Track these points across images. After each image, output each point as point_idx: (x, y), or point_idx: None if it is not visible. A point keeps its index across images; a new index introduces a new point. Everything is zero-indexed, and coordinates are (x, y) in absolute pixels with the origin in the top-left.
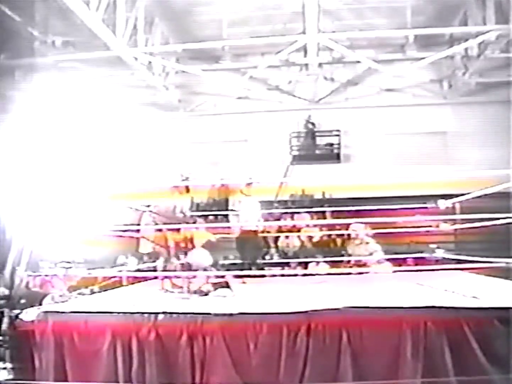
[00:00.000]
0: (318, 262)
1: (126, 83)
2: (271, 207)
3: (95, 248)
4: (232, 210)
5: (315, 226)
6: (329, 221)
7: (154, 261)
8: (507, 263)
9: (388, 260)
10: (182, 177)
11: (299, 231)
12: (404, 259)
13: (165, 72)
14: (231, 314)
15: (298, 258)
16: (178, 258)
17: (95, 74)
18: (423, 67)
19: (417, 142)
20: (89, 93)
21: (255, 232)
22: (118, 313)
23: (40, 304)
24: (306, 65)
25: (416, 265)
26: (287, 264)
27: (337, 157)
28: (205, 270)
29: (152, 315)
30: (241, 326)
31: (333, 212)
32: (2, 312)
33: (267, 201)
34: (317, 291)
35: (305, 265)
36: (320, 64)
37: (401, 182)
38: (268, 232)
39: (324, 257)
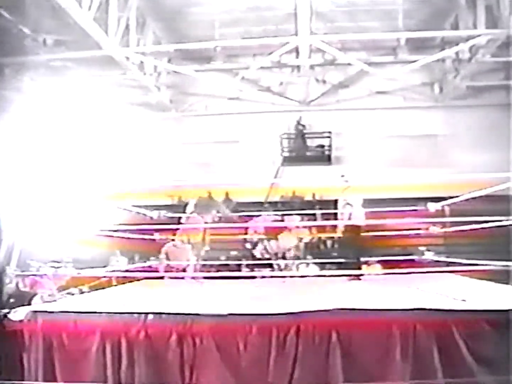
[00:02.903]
0: (308, 263)
1: (117, 83)
2: (261, 208)
3: (87, 247)
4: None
5: (304, 227)
6: (319, 222)
7: (145, 261)
8: (495, 265)
9: (378, 262)
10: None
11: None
12: (394, 261)
13: (157, 73)
14: (221, 315)
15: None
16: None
17: (87, 74)
18: (415, 70)
19: (408, 145)
20: (80, 93)
21: (359, 228)
22: (108, 313)
23: (29, 304)
24: (298, 67)
25: (406, 267)
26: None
27: (328, 159)
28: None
29: (142, 315)
30: (231, 327)
31: (323, 214)
32: None
33: (257, 202)
34: (307, 293)
35: (296, 266)
36: (311, 66)
37: (392, 185)
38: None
39: (314, 258)
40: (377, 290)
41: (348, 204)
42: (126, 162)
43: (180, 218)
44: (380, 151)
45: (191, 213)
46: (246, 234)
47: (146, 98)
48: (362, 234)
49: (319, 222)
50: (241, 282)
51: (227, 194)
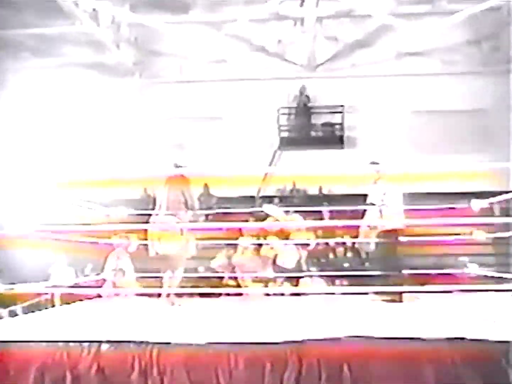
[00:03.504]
0: (312, 277)
1: (62, 37)
2: (252, 205)
3: (21, 254)
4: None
5: (308, 229)
6: (327, 222)
7: (98, 274)
8: None
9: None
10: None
11: (287, 237)
12: (427, 275)
13: (115, 24)
14: (197, 344)
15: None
16: None
17: (26, 23)
18: (457, 23)
19: (447, 123)
20: (16, 47)
21: (397, 232)
22: (48, 341)
23: None
24: (302, 19)
25: (443, 283)
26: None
27: (339, 142)
28: None
29: (94, 344)
30: (211, 359)
31: (332, 212)
32: None
33: (246, 197)
34: (312, 315)
35: (296, 280)
36: (319, 19)
37: (423, 175)
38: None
39: (320, 270)
40: (402, 312)
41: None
42: (74, 143)
43: (148, 216)
44: (408, 131)
45: (160, 210)
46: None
47: (101, 58)
48: (400, 239)
49: (329, 222)
50: (225, 300)
51: (206, 186)
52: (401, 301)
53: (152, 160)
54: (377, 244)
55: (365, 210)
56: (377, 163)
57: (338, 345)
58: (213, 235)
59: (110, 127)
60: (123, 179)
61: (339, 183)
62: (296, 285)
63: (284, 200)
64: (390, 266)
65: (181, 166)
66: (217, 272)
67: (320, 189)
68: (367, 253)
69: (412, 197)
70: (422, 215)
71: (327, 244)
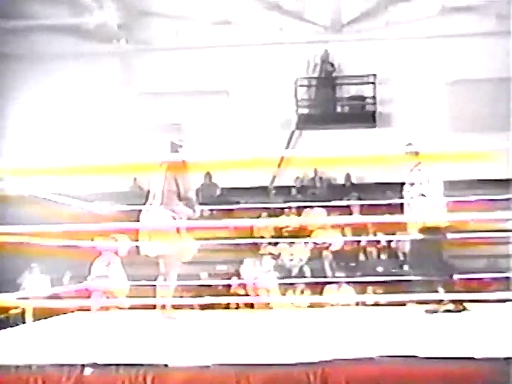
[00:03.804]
0: (339, 283)
1: None
2: (265, 197)
3: None
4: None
5: (334, 227)
6: (357, 218)
7: (80, 281)
8: None
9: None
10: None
11: (309, 234)
12: (479, 279)
13: None
14: (200, 366)
15: (305, 276)
16: None
17: None
18: None
19: (501, 94)
20: None
21: (442, 228)
22: (17, 366)
23: None
24: None
25: (496, 290)
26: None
27: (370, 119)
28: None
29: (75, 368)
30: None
31: (362, 205)
32: None
33: (258, 187)
34: (337, 329)
35: (319, 288)
36: None
37: (470, 158)
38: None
39: (349, 276)
40: (448, 327)
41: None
42: (46, 122)
43: (139, 212)
44: (453, 105)
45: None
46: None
47: (81, 19)
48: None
49: (358, 218)
50: (233, 312)
51: (208, 175)
52: (464, 309)
53: (143, 144)
54: (418, 243)
55: (402, 203)
56: (415, 145)
57: (370, 366)
58: (218, 234)
59: (91, 104)
60: (108, 166)
61: (371, 171)
62: (320, 294)
63: (304, 191)
64: (438, 270)
65: (180, 146)
66: (224, 278)
67: (348, 177)
68: (404, 254)
69: (453, 185)
70: (465, 207)
71: (357, 243)
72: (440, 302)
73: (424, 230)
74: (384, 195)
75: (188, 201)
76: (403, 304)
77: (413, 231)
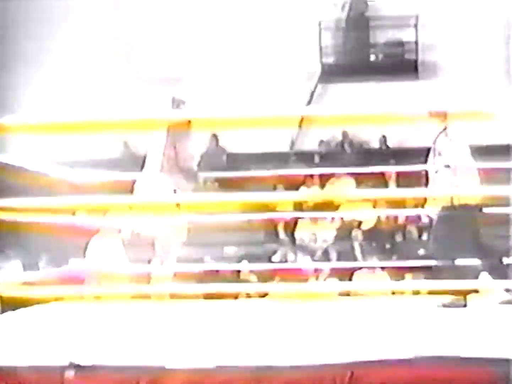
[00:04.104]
0: (372, 269)
1: None
2: (283, 164)
3: None
4: None
5: (366, 200)
6: (394, 190)
7: (59, 265)
8: None
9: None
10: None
11: (335, 209)
12: None
13: None
14: (202, 369)
15: (331, 260)
16: None
17: None
18: None
19: None
20: None
21: (474, 205)
22: None
23: None
24: None
25: None
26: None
27: (411, 69)
28: None
29: (54, 370)
30: None
31: (400, 173)
32: None
33: (274, 153)
34: (368, 324)
35: (348, 274)
36: None
37: None
38: None
39: (384, 259)
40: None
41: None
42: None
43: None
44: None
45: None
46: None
47: None
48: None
49: (395, 190)
50: (243, 303)
51: (214, 138)
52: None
53: (137, 100)
54: (447, 221)
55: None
56: (443, 103)
57: (407, 368)
58: (225, 209)
59: (71, 44)
60: (94, 123)
61: (412, 132)
62: (349, 281)
63: (330, 157)
64: (476, 253)
65: (183, 102)
66: (233, 262)
67: (383, 140)
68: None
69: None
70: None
71: (393, 220)
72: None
73: (452, 206)
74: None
75: (188, 172)
76: (447, 293)
77: (436, 206)
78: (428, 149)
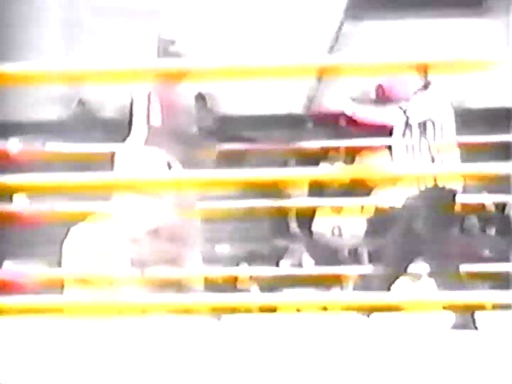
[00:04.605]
0: (416, 274)
1: None
2: (297, 131)
3: None
4: None
5: (411, 180)
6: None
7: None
8: None
9: None
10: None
11: (368, 193)
12: None
13: None
14: None
15: (362, 262)
16: None
17: None
18: None
19: None
20: None
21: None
22: None
23: None
24: None
25: None
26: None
27: (474, 1)
28: None
29: None
30: None
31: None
32: None
33: (285, 116)
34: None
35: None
36: None
37: None
38: None
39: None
40: None
41: None
42: None
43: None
44: None
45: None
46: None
47: None
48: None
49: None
50: (241, 318)
51: (201, 98)
52: None
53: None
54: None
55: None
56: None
57: None
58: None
59: None
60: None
61: (474, 89)
62: (387, 290)
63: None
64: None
65: (172, 43)
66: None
67: None
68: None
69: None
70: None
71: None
72: None
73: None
74: (496, 128)
75: (190, 138)
76: None
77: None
78: (496, 110)
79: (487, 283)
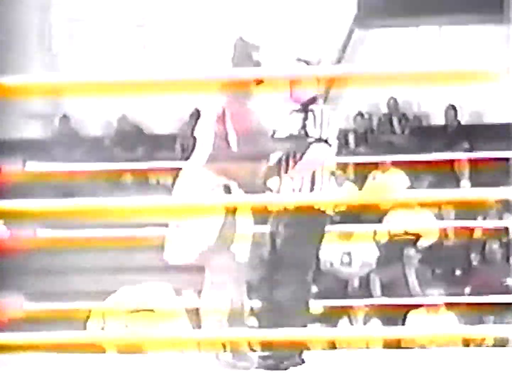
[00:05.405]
0: (434, 306)
1: None
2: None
3: None
4: None
5: (424, 204)
6: (467, 190)
7: None
8: None
9: None
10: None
11: (380, 219)
12: None
13: None
14: None
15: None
16: None
17: None
18: None
19: None
20: None
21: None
22: None
23: None
24: None
25: None
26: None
27: (497, 5)
28: None
29: None
30: None
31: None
32: None
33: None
34: None
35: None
36: None
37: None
38: None
39: (452, 292)
40: None
41: None
42: None
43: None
44: None
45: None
46: None
47: None
48: None
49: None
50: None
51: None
52: None
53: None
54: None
55: None
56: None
57: None
58: None
59: None
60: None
61: (495, 101)
62: (401, 324)
63: (372, 138)
64: None
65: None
66: None
67: (452, 114)
68: None
69: None
70: None
71: (468, 233)
72: None
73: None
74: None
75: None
76: None
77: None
78: None
79: None
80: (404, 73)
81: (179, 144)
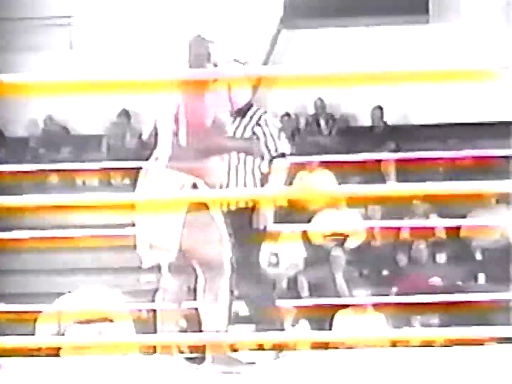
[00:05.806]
0: (361, 306)
1: None
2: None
3: None
4: None
5: (352, 202)
6: (392, 188)
7: None
8: None
9: None
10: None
11: (309, 219)
12: None
13: None
14: None
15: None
16: None
17: None
18: None
19: None
20: None
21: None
22: None
23: None
24: None
25: None
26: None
27: (422, 7)
28: None
29: None
30: None
31: (402, 164)
32: None
33: None
34: None
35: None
36: None
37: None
38: None
39: (378, 293)
40: None
41: None
42: None
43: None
44: None
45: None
46: None
47: None
48: None
49: (398, 188)
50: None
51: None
52: None
53: None
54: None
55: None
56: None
57: None
58: None
59: None
60: None
61: (421, 101)
62: (328, 327)
63: (299, 138)
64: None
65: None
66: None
67: (379, 114)
68: (484, 253)
69: None
70: None
71: (395, 233)
72: None
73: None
74: (444, 144)
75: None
76: (480, 343)
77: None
78: (448, 126)
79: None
80: (331, 74)
81: (106, 145)
